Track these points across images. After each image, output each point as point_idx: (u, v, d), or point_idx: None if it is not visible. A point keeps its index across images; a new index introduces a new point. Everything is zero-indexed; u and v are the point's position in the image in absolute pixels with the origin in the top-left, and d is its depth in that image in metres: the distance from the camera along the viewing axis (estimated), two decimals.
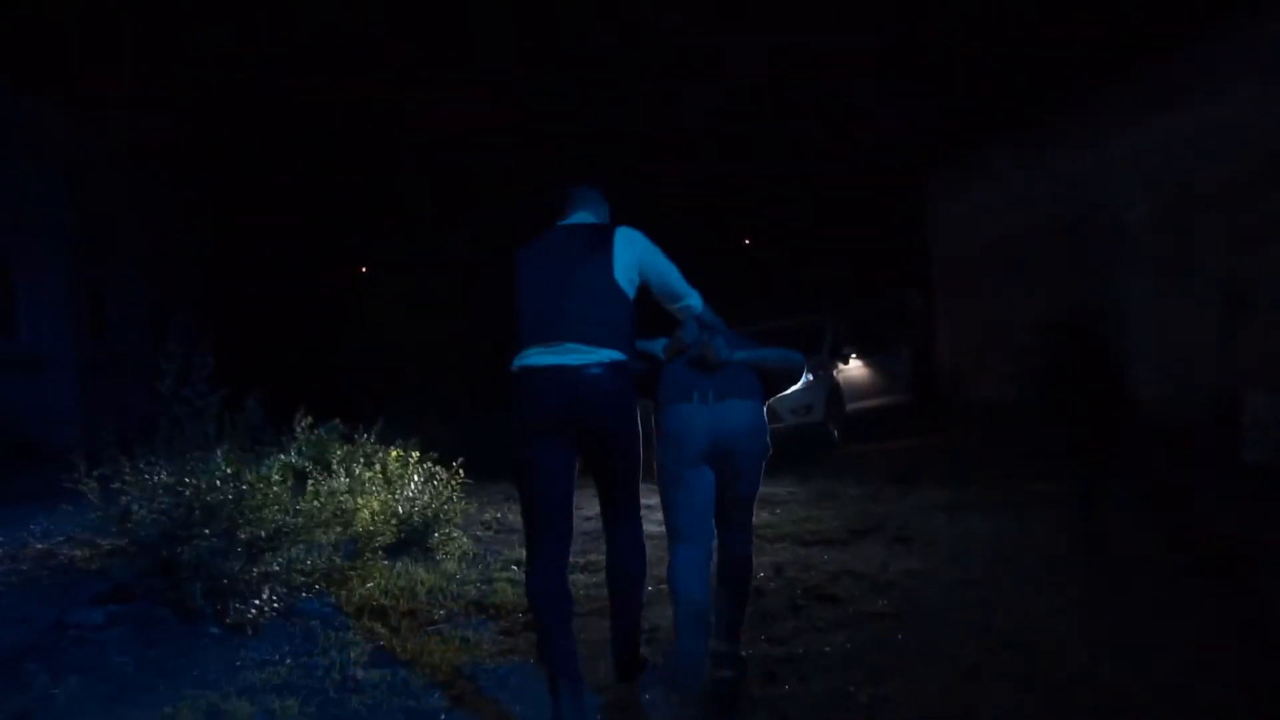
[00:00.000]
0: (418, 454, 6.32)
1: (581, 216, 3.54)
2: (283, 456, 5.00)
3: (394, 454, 6.25)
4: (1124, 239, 11.79)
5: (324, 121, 18.59)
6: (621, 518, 3.45)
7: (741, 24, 22.05)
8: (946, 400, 15.21)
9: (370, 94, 19.48)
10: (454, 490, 6.07)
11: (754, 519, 3.73)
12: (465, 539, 6.07)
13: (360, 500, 5.71)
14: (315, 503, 5.27)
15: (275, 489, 4.13)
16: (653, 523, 3.97)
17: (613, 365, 3.23)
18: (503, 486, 9.80)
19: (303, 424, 8.43)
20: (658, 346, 3.68)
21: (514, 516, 7.73)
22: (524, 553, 3.55)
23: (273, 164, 18.22)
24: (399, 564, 5.25)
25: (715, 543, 3.62)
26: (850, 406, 12.17)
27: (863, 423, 12.42)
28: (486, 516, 7.60)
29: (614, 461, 3.35)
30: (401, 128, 19.61)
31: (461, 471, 6.34)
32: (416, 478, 5.95)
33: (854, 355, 12.35)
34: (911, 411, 13.34)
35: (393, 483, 5.90)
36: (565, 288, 3.27)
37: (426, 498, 5.80)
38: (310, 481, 5.59)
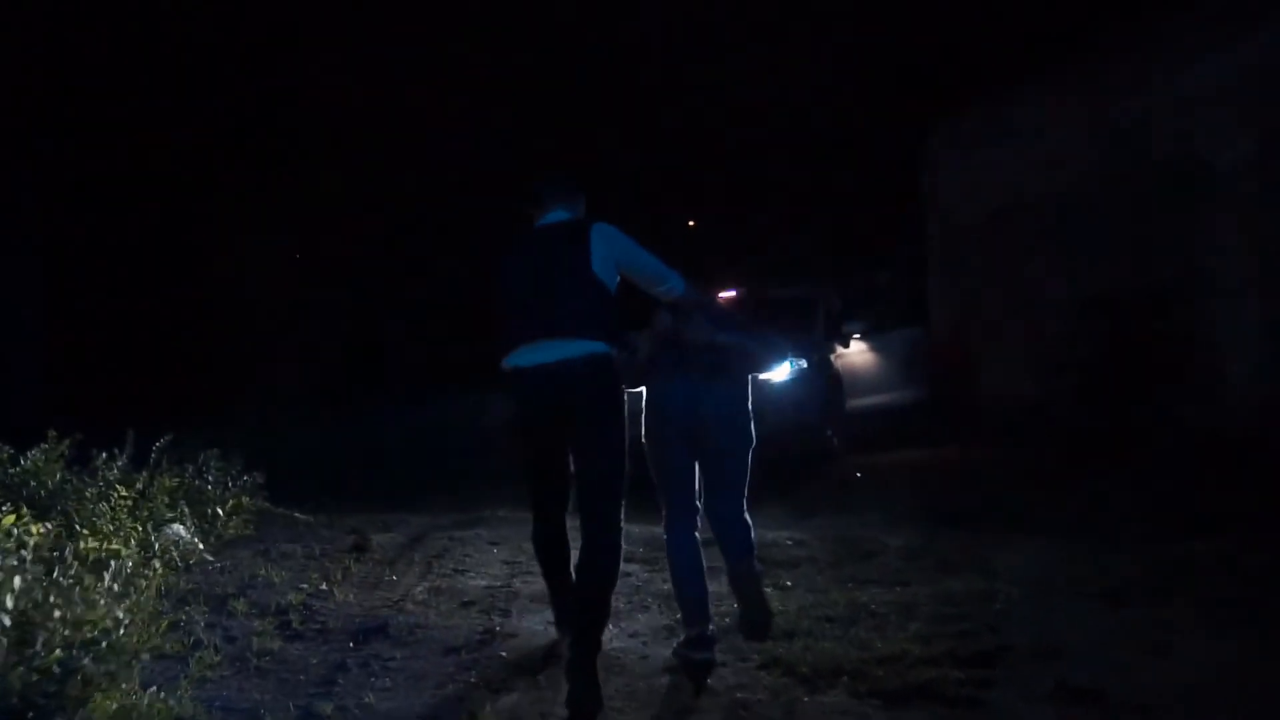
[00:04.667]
0: (36, 529, 3.05)
1: (556, 214, 3.57)
2: None
3: (36, 531, 2.99)
4: (1212, 191, 8.94)
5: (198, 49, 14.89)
6: (599, 520, 3.28)
7: None
8: (949, 398, 12.31)
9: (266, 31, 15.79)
10: (154, 590, 2.86)
11: (746, 512, 3.59)
12: (184, 694, 2.83)
13: None
14: None
15: None
16: None
17: (595, 357, 3.29)
18: (364, 519, 6.63)
19: None
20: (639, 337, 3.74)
21: (347, 595, 4.53)
22: None
23: (128, 101, 14.47)
24: None
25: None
26: (850, 403, 9.18)
27: (862, 424, 9.45)
28: (298, 594, 4.38)
29: (597, 453, 3.33)
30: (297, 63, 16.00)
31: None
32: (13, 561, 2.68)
33: (857, 336, 9.34)
34: (923, 412, 10.36)
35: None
36: (545, 285, 3.35)
37: (105, 603, 2.55)
38: None
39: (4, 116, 12.73)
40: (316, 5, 15.29)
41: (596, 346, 3.28)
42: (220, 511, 5.53)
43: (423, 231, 16.07)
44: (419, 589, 4.64)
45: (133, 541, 3.92)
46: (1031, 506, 6.25)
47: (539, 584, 4.71)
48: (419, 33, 16.22)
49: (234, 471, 6.37)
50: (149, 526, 4.65)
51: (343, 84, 15.09)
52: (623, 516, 3.33)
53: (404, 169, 15.98)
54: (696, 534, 3.56)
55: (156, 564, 4.51)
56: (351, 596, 4.48)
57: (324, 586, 4.63)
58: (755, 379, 3.76)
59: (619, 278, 3.44)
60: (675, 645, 3.55)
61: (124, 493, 3.99)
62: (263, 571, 4.83)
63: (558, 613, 3.60)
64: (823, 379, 8.63)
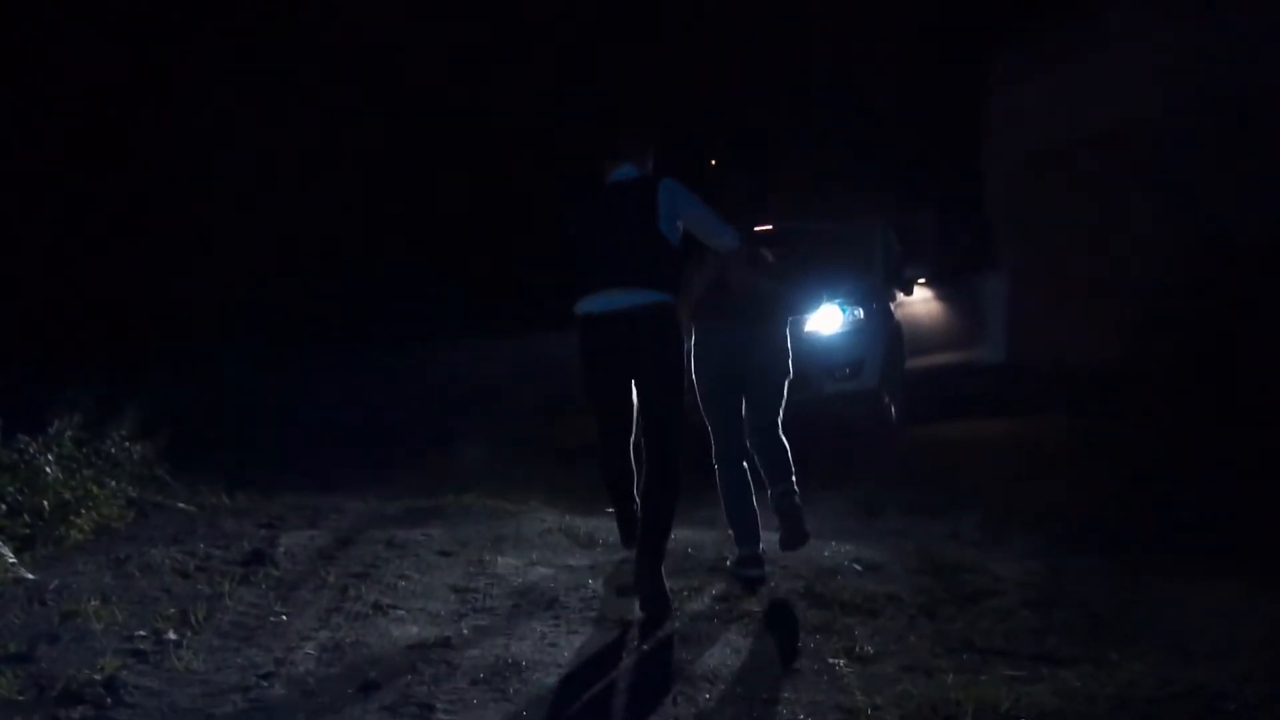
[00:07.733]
0: None
1: (625, 171, 3.80)
2: None
3: None
4: None
5: None
6: (662, 451, 3.58)
7: None
8: (1027, 358, 10.58)
9: None
10: None
11: (781, 434, 3.89)
12: None
13: None
14: None
15: None
16: None
17: (660, 305, 3.58)
18: (294, 502, 5.11)
19: None
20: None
21: (193, 659, 2.94)
22: None
23: None
24: None
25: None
26: (911, 363, 7.52)
27: (925, 388, 7.78)
28: (115, 658, 2.83)
29: (660, 393, 3.60)
30: None
31: None
32: None
33: (921, 281, 7.67)
34: (996, 375, 8.63)
35: None
36: (615, 238, 3.63)
37: None
38: None
39: None
40: None
41: (661, 296, 3.57)
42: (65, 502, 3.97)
43: (443, 165, 14.14)
44: (310, 645, 3.06)
45: None
46: (1176, 515, 4.63)
47: (492, 636, 3.17)
48: None
49: (117, 439, 4.85)
50: None
51: None
52: (679, 446, 3.60)
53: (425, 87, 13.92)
54: (745, 464, 3.88)
55: None
56: (200, 662, 2.90)
57: (171, 635, 3.07)
58: (794, 322, 4.16)
59: (681, 231, 3.69)
60: (729, 563, 3.87)
61: None
62: (93, 603, 3.28)
63: (625, 526, 3.95)
64: (881, 332, 6.97)
